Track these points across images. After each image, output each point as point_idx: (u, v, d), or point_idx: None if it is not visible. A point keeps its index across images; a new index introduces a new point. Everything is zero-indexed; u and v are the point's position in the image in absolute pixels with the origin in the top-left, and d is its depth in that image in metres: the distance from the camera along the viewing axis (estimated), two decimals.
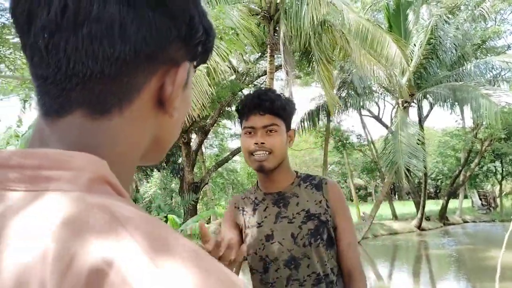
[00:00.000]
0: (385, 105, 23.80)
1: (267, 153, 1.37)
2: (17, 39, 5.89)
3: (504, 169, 23.98)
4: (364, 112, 21.95)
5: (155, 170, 14.44)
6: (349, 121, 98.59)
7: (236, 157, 34.99)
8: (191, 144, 13.64)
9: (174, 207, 12.42)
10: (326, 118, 16.41)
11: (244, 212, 1.46)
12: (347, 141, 22.12)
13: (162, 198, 12.32)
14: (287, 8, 10.33)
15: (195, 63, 0.49)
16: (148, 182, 20.39)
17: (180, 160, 14.03)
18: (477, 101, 12.40)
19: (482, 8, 17.37)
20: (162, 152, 0.51)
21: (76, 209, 0.34)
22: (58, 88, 0.40)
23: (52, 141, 0.40)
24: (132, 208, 0.36)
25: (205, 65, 7.26)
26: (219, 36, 5.82)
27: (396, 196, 36.89)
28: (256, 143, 1.37)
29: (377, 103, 22.08)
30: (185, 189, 12.65)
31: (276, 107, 1.40)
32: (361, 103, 16.26)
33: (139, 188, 23.51)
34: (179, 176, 14.74)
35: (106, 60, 0.39)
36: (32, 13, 0.39)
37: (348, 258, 1.42)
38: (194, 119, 12.52)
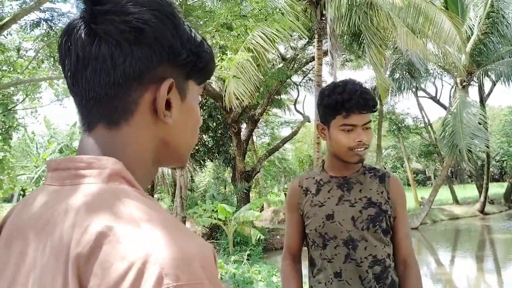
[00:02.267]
0: (442, 85, 22.63)
1: (365, 148, 1.48)
2: None
3: None
4: (420, 93, 21.09)
5: (208, 160, 14.81)
6: (404, 103, 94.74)
7: (287, 145, 35.01)
8: (242, 133, 13.82)
9: (228, 196, 12.69)
10: (378, 101, 15.92)
11: (308, 192, 1.54)
12: (403, 124, 21.35)
13: (215, 187, 12.64)
14: None
15: (196, 80, 0.62)
16: (202, 172, 21.00)
17: (231, 150, 14.28)
18: None
19: None
20: (178, 155, 0.63)
21: (95, 194, 0.51)
22: (84, 110, 0.58)
23: (87, 149, 0.58)
24: (135, 193, 0.53)
25: (251, 54, 7.30)
26: (264, 17, 5.81)
27: (457, 179, 35.15)
28: (359, 141, 1.45)
29: (434, 83, 21.08)
30: (237, 178, 12.88)
31: (374, 105, 1.49)
32: (416, 84, 15.55)
33: (194, 178, 24.25)
34: (231, 165, 15.01)
35: (107, 85, 0.55)
36: (63, 62, 0.57)
37: (405, 246, 1.53)
38: (243, 109, 12.67)
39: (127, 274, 0.42)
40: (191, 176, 26.39)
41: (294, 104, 20.31)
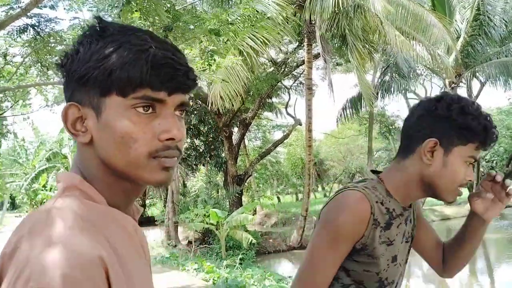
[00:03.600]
0: (432, 87, 22.87)
1: None
2: (62, 47, 6.25)
3: None
4: (410, 95, 21.28)
5: (200, 164, 14.74)
6: (394, 106, 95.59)
7: (280, 148, 34.98)
8: (233, 137, 13.81)
9: (220, 200, 12.64)
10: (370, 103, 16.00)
11: (377, 223, 1.14)
12: (393, 126, 21.51)
13: (207, 192, 12.58)
14: None
15: (120, 92, 0.62)
16: (194, 176, 20.93)
17: (223, 154, 14.26)
18: None
19: None
20: (121, 172, 0.64)
21: (41, 207, 0.62)
22: None
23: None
24: (79, 204, 0.60)
25: (240, 57, 7.31)
26: (251, 24, 5.84)
27: None
28: (470, 180, 1.16)
29: (423, 85, 21.28)
30: (229, 182, 12.84)
31: None
32: (406, 86, 15.66)
33: (186, 182, 24.13)
34: (222, 169, 14.98)
35: None
36: None
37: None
38: (234, 113, 12.68)
39: (12, 276, 0.52)
40: (183, 181, 26.29)
41: (286, 108, 20.36)
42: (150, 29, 5.90)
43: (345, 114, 16.32)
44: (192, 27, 5.48)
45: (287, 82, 19.87)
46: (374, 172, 1.27)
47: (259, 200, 21.47)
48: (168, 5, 5.00)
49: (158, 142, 0.62)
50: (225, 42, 5.34)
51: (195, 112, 13.55)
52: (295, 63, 16.40)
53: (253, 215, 21.47)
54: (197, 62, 5.81)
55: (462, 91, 16.67)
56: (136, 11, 5.25)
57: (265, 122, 26.02)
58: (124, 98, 0.61)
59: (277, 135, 28.83)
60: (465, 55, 14.10)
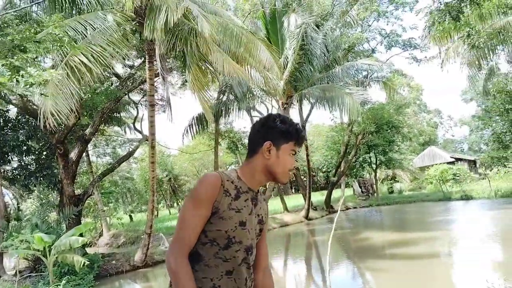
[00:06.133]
0: (272, 106, 25.10)
1: None
2: None
3: (377, 158, 26.73)
4: (254, 113, 22.97)
5: (32, 185, 13.41)
6: (241, 122, 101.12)
7: (134, 165, 33.69)
8: (71, 155, 12.98)
9: (54, 224, 11.71)
10: (214, 121, 16.81)
11: (228, 194, 1.61)
12: (240, 142, 22.87)
13: (39, 215, 11.55)
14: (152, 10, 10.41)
15: None
16: (30, 198, 18.88)
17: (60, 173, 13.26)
18: (342, 99, 13.83)
19: (348, 16, 19.32)
20: None
21: None
22: None
23: None
24: None
25: (60, 72, 7.05)
26: (59, 45, 5.74)
27: (282, 191, 38.78)
28: (294, 166, 1.75)
29: (264, 104, 23.23)
30: (65, 203, 11.99)
31: None
32: (241, 105, 16.80)
33: (20, 205, 21.54)
34: (57, 189, 13.91)
35: None
36: None
37: (266, 256, 1.88)
38: (69, 129, 11.97)
39: None
40: (17, 204, 23.40)
41: (133, 123, 20.00)
42: None
43: (191, 130, 16.82)
44: None
45: (137, 97, 19.59)
46: None
47: (104, 219, 20.40)
48: None
49: None
50: (34, 60, 5.15)
51: (25, 127, 12.37)
52: (140, 78, 16.29)
53: (99, 236, 20.32)
54: (5, 76, 5.48)
55: (294, 111, 18.76)
56: None
57: (115, 137, 25.03)
58: None
59: (126, 151, 27.93)
60: (294, 79, 15.97)
